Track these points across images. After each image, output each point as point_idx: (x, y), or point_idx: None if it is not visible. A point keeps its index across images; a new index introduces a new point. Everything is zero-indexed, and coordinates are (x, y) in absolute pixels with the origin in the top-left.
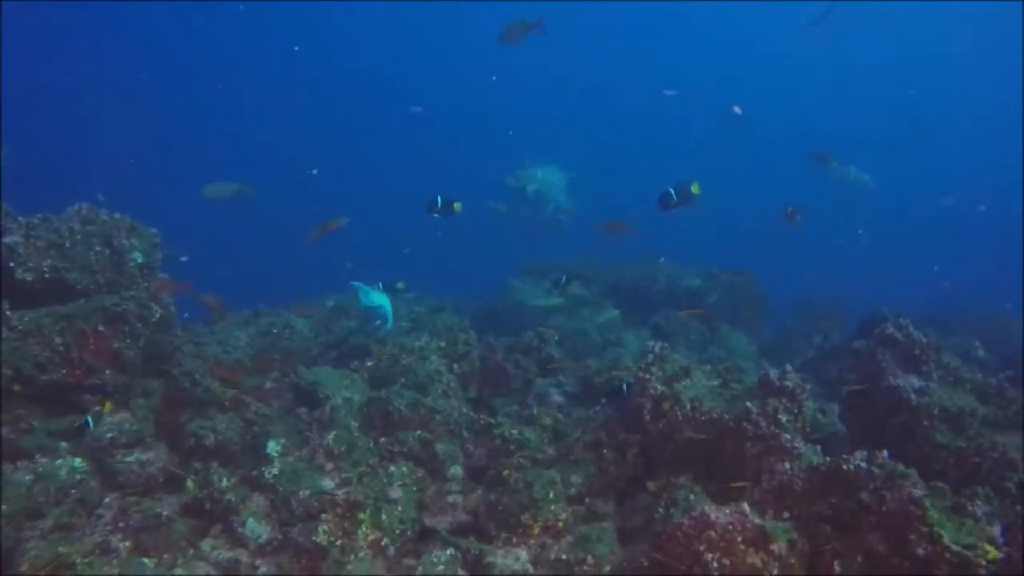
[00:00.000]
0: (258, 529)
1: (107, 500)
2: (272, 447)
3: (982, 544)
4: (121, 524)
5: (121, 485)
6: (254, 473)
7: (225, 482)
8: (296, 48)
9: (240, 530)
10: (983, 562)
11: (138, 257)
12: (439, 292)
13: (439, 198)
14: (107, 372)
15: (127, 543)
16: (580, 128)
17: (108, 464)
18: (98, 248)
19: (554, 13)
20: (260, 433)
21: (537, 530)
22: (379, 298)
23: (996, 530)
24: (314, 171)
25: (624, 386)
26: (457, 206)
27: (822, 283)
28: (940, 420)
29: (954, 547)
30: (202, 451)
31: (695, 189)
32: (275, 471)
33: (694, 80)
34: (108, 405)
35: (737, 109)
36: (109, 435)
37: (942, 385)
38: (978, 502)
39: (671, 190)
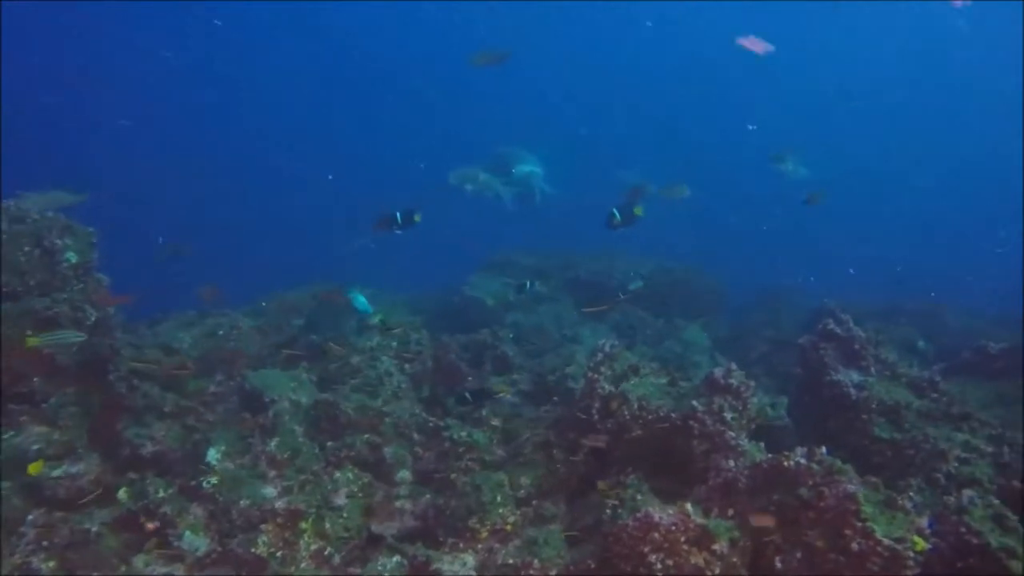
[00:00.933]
0: (196, 541)
1: (31, 517)
2: (212, 455)
3: (911, 536)
4: (45, 543)
5: (48, 500)
6: (193, 483)
7: (161, 493)
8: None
9: (177, 543)
10: (911, 554)
11: (72, 257)
12: (400, 287)
13: (398, 214)
14: (36, 379)
15: (51, 563)
16: (560, 122)
17: (33, 479)
18: (27, 248)
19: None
20: (201, 440)
21: (485, 534)
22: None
23: (924, 521)
24: (330, 177)
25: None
26: (417, 217)
27: (785, 276)
28: (878, 414)
29: (885, 541)
30: (139, 460)
31: (638, 211)
32: (215, 480)
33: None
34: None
35: (752, 127)
36: (35, 447)
37: (880, 379)
38: (911, 493)
39: (615, 211)
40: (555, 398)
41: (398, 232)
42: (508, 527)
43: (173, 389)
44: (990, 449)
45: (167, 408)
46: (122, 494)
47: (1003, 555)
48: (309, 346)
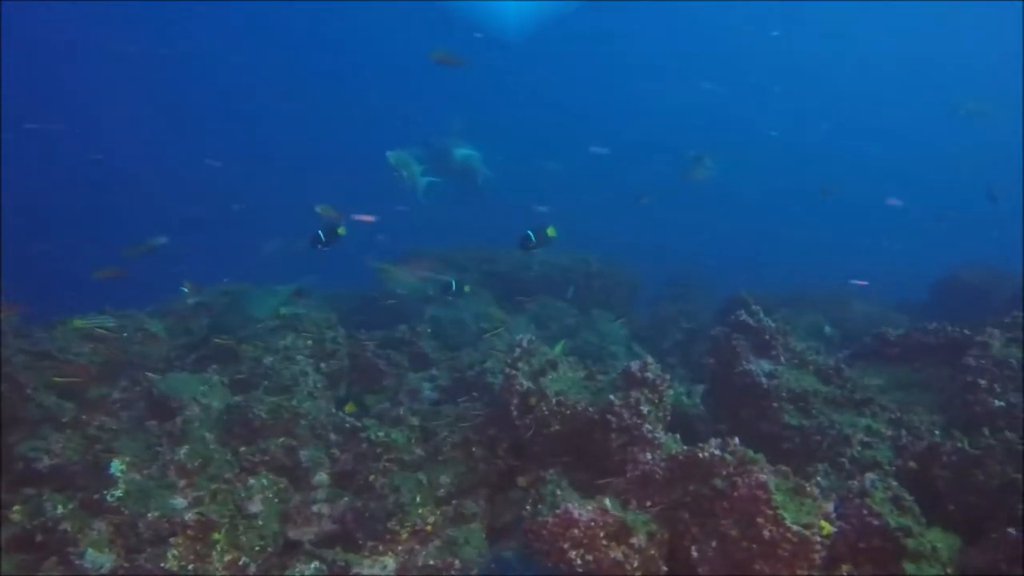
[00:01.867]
0: (100, 559)
1: None
2: (116, 466)
3: (818, 521)
4: None
5: None
6: (96, 496)
7: (60, 509)
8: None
9: (78, 562)
10: (818, 538)
11: None
12: (325, 283)
13: (320, 232)
14: None
15: None
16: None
17: None
18: None
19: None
20: (103, 451)
21: (405, 536)
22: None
23: (830, 506)
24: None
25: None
26: (341, 230)
27: (702, 266)
28: (788, 401)
29: (794, 527)
30: (35, 476)
31: (551, 232)
32: (119, 492)
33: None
34: None
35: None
36: None
37: (789, 368)
38: (818, 478)
39: (530, 233)
40: (474, 393)
41: (324, 249)
42: (428, 528)
43: (72, 397)
44: (889, 432)
45: (65, 418)
46: (15, 513)
47: (900, 534)
48: (218, 347)
